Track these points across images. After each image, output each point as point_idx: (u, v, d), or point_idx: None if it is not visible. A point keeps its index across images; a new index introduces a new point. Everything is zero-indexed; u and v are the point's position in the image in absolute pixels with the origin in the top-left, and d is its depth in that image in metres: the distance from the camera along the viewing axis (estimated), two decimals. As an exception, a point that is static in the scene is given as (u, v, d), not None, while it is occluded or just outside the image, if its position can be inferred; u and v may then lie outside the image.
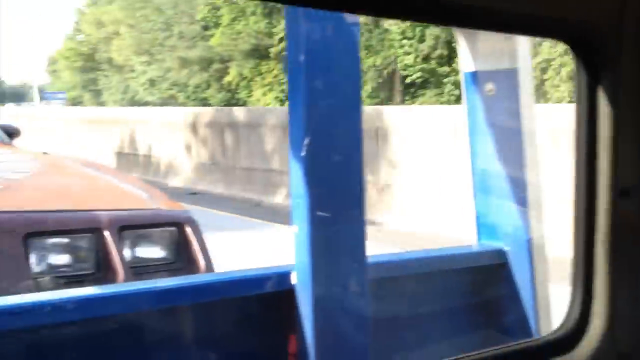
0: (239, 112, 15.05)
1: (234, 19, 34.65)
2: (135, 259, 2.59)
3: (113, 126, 17.34)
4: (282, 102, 31.02)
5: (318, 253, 1.66)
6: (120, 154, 16.62)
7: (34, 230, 2.33)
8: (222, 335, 1.75)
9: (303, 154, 1.63)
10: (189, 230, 2.69)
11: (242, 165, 13.75)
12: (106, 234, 2.46)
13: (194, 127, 14.65)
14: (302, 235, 1.66)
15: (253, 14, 33.13)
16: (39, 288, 2.25)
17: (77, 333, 1.49)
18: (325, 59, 1.68)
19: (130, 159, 16.20)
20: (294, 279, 1.72)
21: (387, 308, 1.87)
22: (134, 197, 2.87)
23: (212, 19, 37.35)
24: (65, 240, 2.42)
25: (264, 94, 34.17)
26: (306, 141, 1.61)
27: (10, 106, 36.44)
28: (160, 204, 2.83)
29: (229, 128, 13.88)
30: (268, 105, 31.56)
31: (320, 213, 1.65)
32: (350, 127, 1.74)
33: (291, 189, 1.73)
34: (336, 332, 1.74)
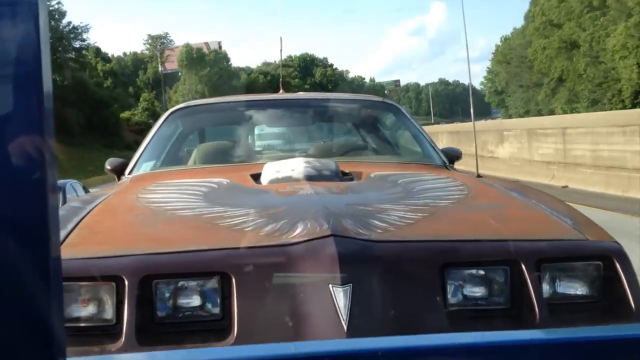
0: None
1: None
2: (554, 295, 2.36)
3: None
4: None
5: None
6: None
7: (450, 260, 2.31)
8: None
9: None
10: (617, 264, 2.35)
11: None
12: (523, 266, 2.31)
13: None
14: None
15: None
16: (452, 321, 2.22)
17: None
18: None
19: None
20: None
21: None
22: (556, 224, 2.63)
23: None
24: (480, 271, 2.35)
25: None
26: None
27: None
28: (586, 233, 2.54)
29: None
30: None
31: None
32: None
33: None
34: None
